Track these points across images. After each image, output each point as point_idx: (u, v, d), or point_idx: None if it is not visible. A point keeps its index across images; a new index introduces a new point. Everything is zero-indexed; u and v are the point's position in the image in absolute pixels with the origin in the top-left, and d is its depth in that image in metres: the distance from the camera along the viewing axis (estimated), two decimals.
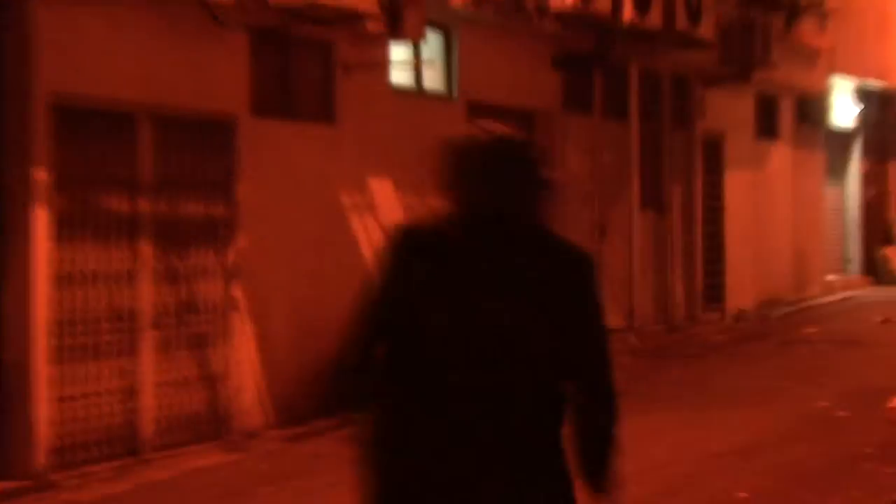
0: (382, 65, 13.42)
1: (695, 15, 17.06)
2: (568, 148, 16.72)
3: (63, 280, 9.83)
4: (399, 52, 13.76)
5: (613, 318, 17.49)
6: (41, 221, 9.55)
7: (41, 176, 9.59)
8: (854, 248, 26.72)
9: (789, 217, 23.00)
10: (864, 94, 25.88)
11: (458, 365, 3.76)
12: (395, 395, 3.84)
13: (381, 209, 13.42)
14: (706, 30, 17.39)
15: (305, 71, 12.58)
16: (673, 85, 19.28)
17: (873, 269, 26.75)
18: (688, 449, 10.67)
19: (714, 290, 20.62)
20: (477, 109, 14.99)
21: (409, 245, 3.88)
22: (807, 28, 22.01)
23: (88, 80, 10.08)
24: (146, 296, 10.52)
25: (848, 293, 24.66)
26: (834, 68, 23.97)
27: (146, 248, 10.53)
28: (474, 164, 3.89)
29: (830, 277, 24.85)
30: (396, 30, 12.85)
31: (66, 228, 9.87)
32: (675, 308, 19.31)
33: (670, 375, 15.31)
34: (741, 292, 21.19)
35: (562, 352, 3.85)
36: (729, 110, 20.79)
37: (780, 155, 22.81)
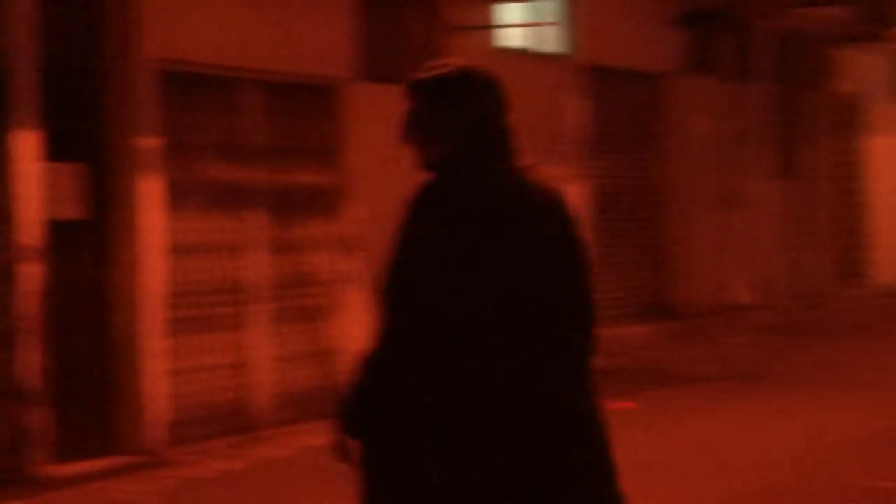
0: (494, 25, 13.71)
1: None
2: (694, 112, 16.90)
3: (173, 251, 10.26)
4: (514, 13, 14.04)
5: (744, 293, 17.66)
6: (152, 191, 9.96)
7: (150, 144, 10.01)
8: None
9: None
10: None
11: (478, 333, 3.82)
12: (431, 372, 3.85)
13: None
14: None
15: (411, 32, 12.90)
16: (805, 44, 19.33)
17: None
18: (827, 434, 10.63)
19: (854, 264, 20.64)
20: (597, 71, 15.25)
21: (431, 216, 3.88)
22: None
23: (194, 45, 10.43)
24: (257, 267, 10.94)
25: None
26: None
27: (255, 218, 10.95)
28: (443, 98, 3.95)
29: None
30: None
31: (174, 197, 10.29)
32: (812, 283, 19.37)
33: (808, 355, 15.39)
34: (885, 265, 21.15)
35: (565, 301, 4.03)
36: (866, 71, 20.77)
37: None
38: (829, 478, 9.19)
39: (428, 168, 3.96)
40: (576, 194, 14.89)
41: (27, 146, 9.19)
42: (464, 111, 3.92)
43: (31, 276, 9.15)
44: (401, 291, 3.83)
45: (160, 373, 9.97)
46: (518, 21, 14.10)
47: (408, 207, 3.87)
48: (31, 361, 9.10)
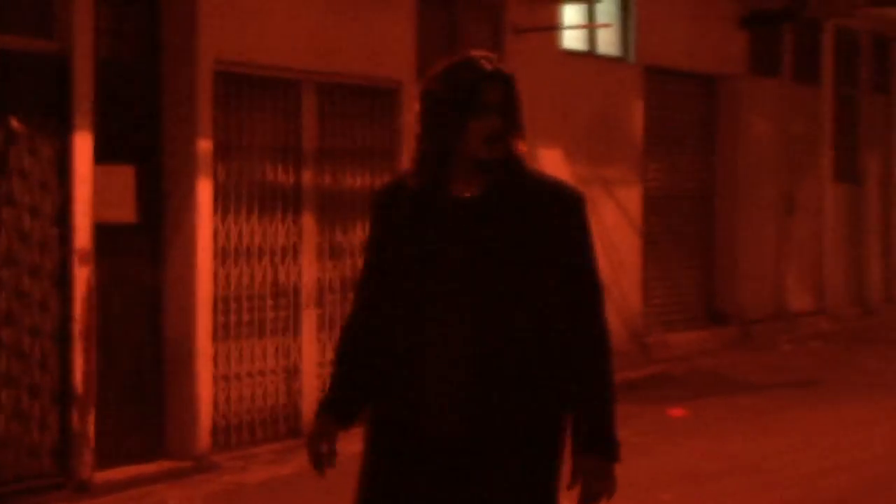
0: (554, 27, 13.74)
1: None
2: (754, 115, 16.89)
3: (224, 255, 10.37)
4: (573, 14, 14.08)
5: (802, 299, 17.64)
6: (205, 193, 10.04)
7: (205, 146, 10.08)
8: None
9: None
10: None
11: (430, 316, 4.08)
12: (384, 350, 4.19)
13: None
14: None
15: (474, 34, 12.94)
16: (871, 45, 19.26)
17: None
18: (886, 444, 10.64)
19: None
20: (655, 73, 15.27)
21: (381, 203, 4.28)
22: None
23: (251, 47, 10.50)
24: (309, 271, 11.02)
25: None
26: None
27: (309, 222, 11.03)
28: (434, 95, 4.16)
29: None
30: None
31: (228, 201, 10.39)
32: (872, 289, 19.33)
33: (867, 363, 15.37)
34: None
35: (538, 293, 4.11)
36: None
37: None
38: (891, 487, 9.27)
39: (506, 160, 4.16)
40: (633, 196, 14.93)
41: (82, 147, 9.28)
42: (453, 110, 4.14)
43: (84, 279, 9.25)
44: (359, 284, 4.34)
45: (210, 377, 10.08)
46: (576, 23, 14.12)
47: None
48: (81, 365, 9.21)
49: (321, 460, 4.27)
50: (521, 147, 4.18)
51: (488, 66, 4.12)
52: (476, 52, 4.20)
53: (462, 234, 4.11)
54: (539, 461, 4.11)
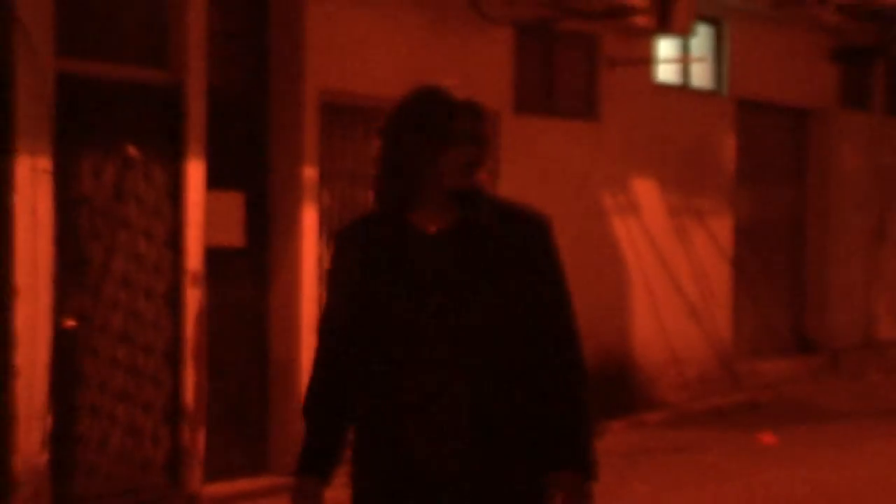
0: (648, 60, 13.80)
1: None
2: (845, 147, 16.84)
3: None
4: (667, 48, 14.15)
5: (892, 328, 17.54)
6: (310, 218, 10.19)
7: (311, 173, 10.23)
8: None
9: None
10: None
11: (403, 351, 3.90)
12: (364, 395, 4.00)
13: (644, 210, 13.82)
14: None
15: (569, 66, 13.03)
16: None
17: None
18: None
19: None
20: (748, 106, 15.30)
21: (344, 243, 4.07)
22: None
23: (354, 78, 10.63)
24: None
25: None
26: None
27: None
28: (391, 125, 4.00)
29: None
30: (665, 24, 13.19)
31: (332, 226, 10.52)
32: None
33: None
34: None
35: (512, 323, 3.94)
36: None
37: None
38: None
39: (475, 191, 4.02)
40: (724, 226, 14.96)
41: (195, 174, 9.45)
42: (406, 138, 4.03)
43: (195, 300, 9.42)
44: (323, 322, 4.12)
45: None
46: (670, 57, 14.19)
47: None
48: (192, 383, 9.38)
49: None
50: (483, 177, 4.00)
51: (459, 96, 3.98)
52: (443, 83, 4.03)
53: (435, 274, 3.94)
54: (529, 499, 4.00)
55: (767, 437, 12.28)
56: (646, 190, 13.80)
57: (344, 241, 4.08)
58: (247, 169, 10.09)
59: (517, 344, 3.95)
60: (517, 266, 3.95)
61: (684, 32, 13.64)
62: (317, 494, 4.02)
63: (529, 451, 3.98)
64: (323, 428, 4.04)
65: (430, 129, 3.93)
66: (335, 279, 4.06)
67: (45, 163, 8.53)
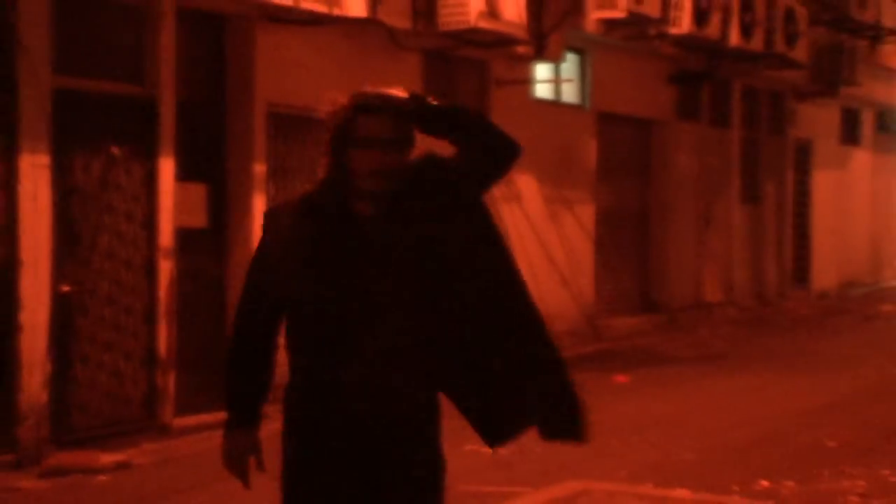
0: (527, 81, 13.79)
1: (791, 39, 17.11)
2: (679, 150, 16.94)
3: None
4: (542, 71, 14.12)
5: (716, 293, 17.68)
6: (259, 205, 10.01)
7: (260, 169, 10.12)
8: None
9: (867, 211, 22.86)
10: None
11: (334, 328, 3.39)
12: (294, 366, 3.50)
13: (524, 199, 13.79)
14: (800, 52, 17.39)
15: (465, 85, 13.00)
16: (769, 98, 19.31)
17: None
18: (779, 405, 10.59)
19: (801, 272, 20.63)
20: (605, 117, 15.32)
21: (273, 225, 3.54)
22: (888, 50, 21.86)
23: (294, 93, 10.53)
24: None
25: None
26: None
27: None
28: (338, 131, 3.44)
29: None
30: (541, 52, 13.20)
31: None
32: (768, 286, 19.37)
33: (764, 343, 15.34)
34: (825, 274, 21.14)
35: (447, 288, 3.43)
36: (817, 120, 20.74)
37: (861, 159, 22.69)
38: (782, 437, 9.20)
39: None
40: (587, 212, 14.98)
41: (166, 169, 9.33)
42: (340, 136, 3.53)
43: (167, 270, 9.30)
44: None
45: None
46: (545, 78, 14.17)
47: None
48: (164, 336, 9.26)
49: (247, 474, 3.57)
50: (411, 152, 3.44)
51: (375, 101, 3.39)
52: (373, 87, 3.48)
53: (373, 244, 3.41)
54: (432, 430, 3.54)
55: (621, 378, 12.33)
56: (526, 183, 13.77)
57: (271, 218, 3.56)
58: (208, 165, 9.97)
59: (457, 308, 3.43)
60: (450, 227, 3.45)
61: (556, 59, 13.66)
62: (253, 440, 3.56)
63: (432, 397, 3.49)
64: (248, 385, 3.56)
65: (335, 134, 3.41)
66: (261, 252, 3.54)
67: (44, 159, 8.42)
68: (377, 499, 3.47)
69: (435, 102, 3.44)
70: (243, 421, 3.58)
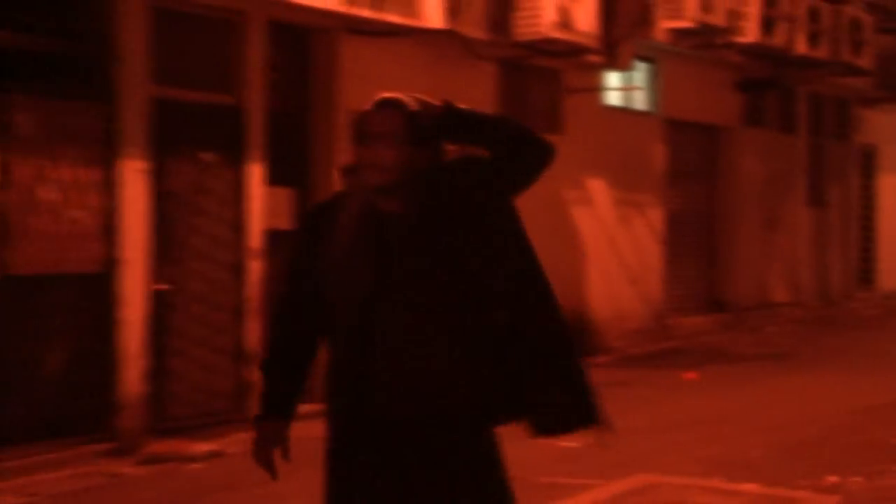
0: (599, 88, 13.80)
1: (857, 47, 16.95)
2: (745, 155, 16.85)
3: None
4: (613, 79, 14.13)
5: (782, 294, 17.56)
6: None
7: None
8: None
9: None
10: None
11: (367, 329, 3.29)
12: (332, 367, 3.40)
13: (595, 202, 13.81)
14: (865, 59, 17.21)
15: (539, 93, 13.03)
16: (835, 104, 19.13)
17: None
18: (844, 402, 10.48)
19: (867, 274, 20.40)
20: (673, 124, 15.29)
21: (310, 223, 3.47)
22: None
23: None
24: None
25: None
26: None
27: None
28: (353, 128, 3.38)
29: None
30: (612, 61, 13.20)
31: None
32: (834, 287, 19.20)
33: (829, 342, 15.20)
34: (891, 275, 20.86)
35: (475, 290, 3.30)
36: (882, 126, 20.49)
37: None
38: (847, 434, 9.13)
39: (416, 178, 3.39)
40: (656, 215, 14.96)
41: (254, 174, 9.47)
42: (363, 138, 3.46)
43: (255, 270, 9.43)
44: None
45: None
46: (615, 86, 14.17)
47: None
48: (253, 332, 9.38)
49: (273, 464, 3.50)
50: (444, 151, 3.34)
51: (383, 99, 3.36)
52: (391, 93, 3.41)
53: (401, 243, 3.29)
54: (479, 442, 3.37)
55: (689, 375, 12.31)
56: (597, 187, 13.79)
57: (308, 216, 3.52)
58: (294, 170, 10.06)
59: (483, 309, 3.30)
60: (474, 230, 3.32)
61: (626, 68, 13.64)
62: (280, 433, 3.48)
63: (483, 405, 3.33)
64: (282, 380, 3.49)
65: (351, 134, 3.36)
66: (298, 250, 3.46)
67: (142, 165, 8.57)
68: (417, 493, 3.34)
69: (462, 108, 3.35)
70: (272, 414, 3.50)
